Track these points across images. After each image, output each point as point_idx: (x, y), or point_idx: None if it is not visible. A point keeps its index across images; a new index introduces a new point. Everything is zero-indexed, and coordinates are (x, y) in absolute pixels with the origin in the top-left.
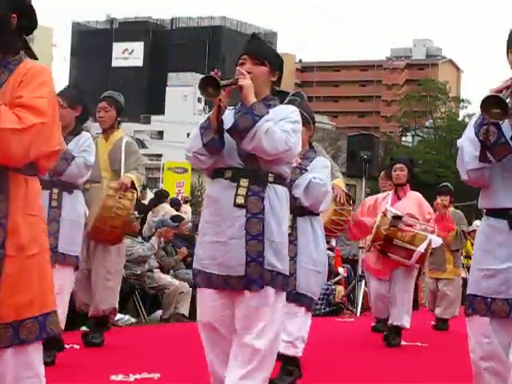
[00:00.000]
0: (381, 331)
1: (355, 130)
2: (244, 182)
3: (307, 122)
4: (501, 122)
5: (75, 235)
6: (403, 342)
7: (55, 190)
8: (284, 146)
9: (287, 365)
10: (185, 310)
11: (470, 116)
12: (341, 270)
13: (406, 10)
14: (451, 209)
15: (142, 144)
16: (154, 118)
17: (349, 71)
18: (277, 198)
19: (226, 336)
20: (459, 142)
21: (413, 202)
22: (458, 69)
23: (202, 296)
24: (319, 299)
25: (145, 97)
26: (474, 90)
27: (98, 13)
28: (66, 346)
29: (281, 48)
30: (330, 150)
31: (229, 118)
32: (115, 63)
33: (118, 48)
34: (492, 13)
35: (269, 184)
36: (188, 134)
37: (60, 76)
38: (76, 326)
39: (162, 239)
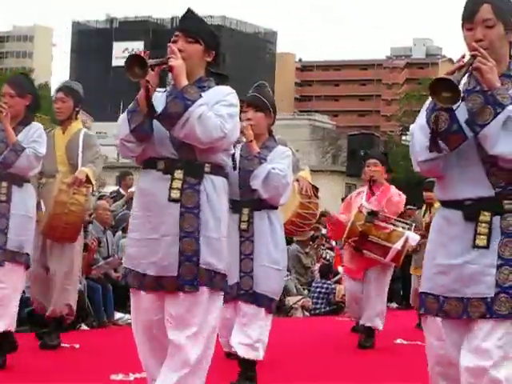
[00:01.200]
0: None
1: (355, 129)
2: (178, 174)
3: (267, 108)
4: (454, 107)
5: (26, 231)
6: (403, 341)
7: (4, 184)
8: (219, 132)
9: (248, 370)
10: None
11: None
12: (340, 269)
13: (405, 10)
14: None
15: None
16: None
17: (349, 70)
18: (214, 191)
19: (162, 340)
20: (411, 128)
21: (385, 198)
22: None
23: (135, 297)
24: (319, 298)
25: None
26: None
27: (97, 12)
28: (66, 346)
29: (281, 47)
30: (331, 149)
31: (161, 101)
32: (115, 63)
33: (118, 47)
34: None
35: (205, 175)
36: None
37: (60, 76)
38: (36, 327)
39: None
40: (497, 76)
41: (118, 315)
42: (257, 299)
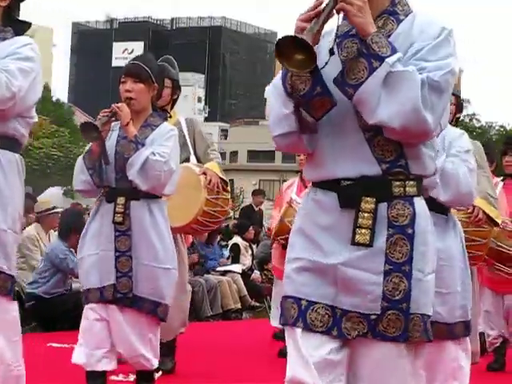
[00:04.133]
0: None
1: None
2: None
3: (148, 78)
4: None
5: None
6: None
7: None
8: (4, 91)
9: (145, 381)
10: None
11: (470, 116)
12: None
13: None
14: None
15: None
16: None
17: None
18: (1, 170)
19: None
20: (267, 90)
21: None
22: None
23: None
24: None
25: None
26: (473, 90)
27: (97, 13)
28: (66, 346)
29: None
30: None
31: None
32: (115, 63)
33: (118, 48)
34: (492, 12)
35: None
36: None
37: (60, 76)
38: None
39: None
40: (370, 18)
41: None
42: (137, 303)
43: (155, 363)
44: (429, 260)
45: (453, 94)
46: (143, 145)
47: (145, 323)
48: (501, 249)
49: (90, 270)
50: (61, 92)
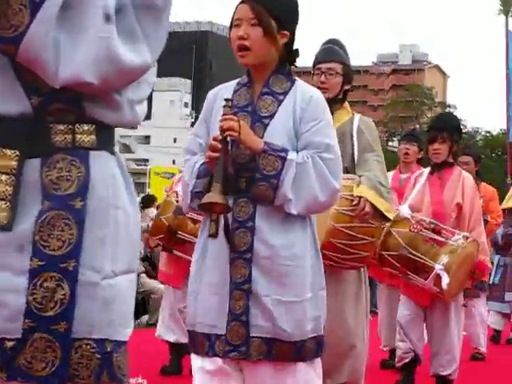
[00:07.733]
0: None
1: None
2: None
3: None
4: None
5: None
6: None
7: None
8: None
9: None
10: None
11: None
12: None
13: (392, 16)
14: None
15: (128, 149)
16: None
17: None
18: None
19: None
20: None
21: None
22: (444, 74)
23: None
24: None
25: None
26: (460, 95)
27: None
28: None
29: None
30: None
31: None
32: None
33: None
34: (478, 18)
35: None
36: (175, 139)
37: None
38: None
39: None
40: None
41: None
42: None
43: None
44: (118, 254)
45: (341, 63)
46: None
47: None
48: (414, 257)
49: None
50: None
